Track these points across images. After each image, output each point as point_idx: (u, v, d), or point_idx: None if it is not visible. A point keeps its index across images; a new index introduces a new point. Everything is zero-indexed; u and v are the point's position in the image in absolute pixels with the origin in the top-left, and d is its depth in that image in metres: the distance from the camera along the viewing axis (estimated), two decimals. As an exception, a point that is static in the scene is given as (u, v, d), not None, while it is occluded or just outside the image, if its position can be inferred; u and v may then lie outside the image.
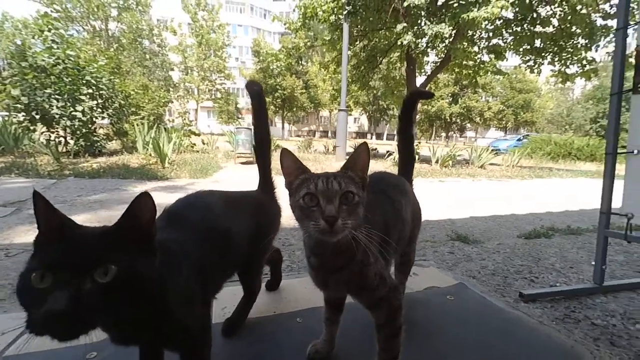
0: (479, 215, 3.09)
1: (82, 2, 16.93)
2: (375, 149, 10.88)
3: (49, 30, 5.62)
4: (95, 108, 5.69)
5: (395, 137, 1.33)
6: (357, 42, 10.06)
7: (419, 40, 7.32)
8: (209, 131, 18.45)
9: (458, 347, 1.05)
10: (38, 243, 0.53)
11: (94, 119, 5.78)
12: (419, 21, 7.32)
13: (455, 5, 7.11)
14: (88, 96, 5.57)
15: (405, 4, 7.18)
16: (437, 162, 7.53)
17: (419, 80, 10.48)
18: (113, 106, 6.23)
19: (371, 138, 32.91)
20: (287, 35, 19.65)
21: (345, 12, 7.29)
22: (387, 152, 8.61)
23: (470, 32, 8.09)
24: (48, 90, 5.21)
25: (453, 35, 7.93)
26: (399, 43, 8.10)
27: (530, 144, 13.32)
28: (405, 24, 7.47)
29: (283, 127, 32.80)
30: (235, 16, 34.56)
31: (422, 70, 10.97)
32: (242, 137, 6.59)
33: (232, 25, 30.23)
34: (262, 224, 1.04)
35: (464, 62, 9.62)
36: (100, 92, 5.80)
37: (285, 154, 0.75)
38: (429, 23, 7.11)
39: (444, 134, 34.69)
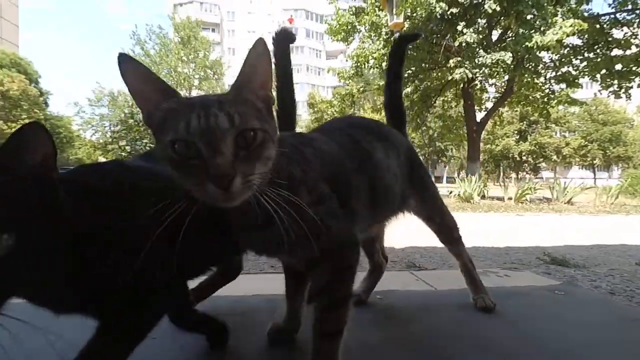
0: (575, 244, 2.62)
1: (173, 76, 20.75)
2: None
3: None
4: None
5: (384, 96, 1.17)
6: (409, 84, 10.31)
7: (475, 70, 7.21)
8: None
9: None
10: None
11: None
12: (473, 54, 7.29)
13: (512, 37, 7.00)
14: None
15: (457, 42, 7.30)
16: (510, 198, 6.82)
17: (479, 115, 10.09)
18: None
19: (428, 180, 31.48)
20: (340, 87, 21.13)
21: (396, 56, 7.65)
22: (450, 192, 8.13)
23: (532, 63, 7.75)
24: (145, 140, 6.25)
25: (514, 65, 7.67)
26: (451, 78, 8.08)
27: (629, 179, 11.38)
28: (458, 59, 7.50)
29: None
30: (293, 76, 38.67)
31: (482, 106, 10.59)
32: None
33: (290, 84, 33.67)
34: None
35: (530, 95, 9.08)
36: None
37: (127, 61, 0.48)
38: (485, 54, 7.04)
39: (514, 175, 31.63)
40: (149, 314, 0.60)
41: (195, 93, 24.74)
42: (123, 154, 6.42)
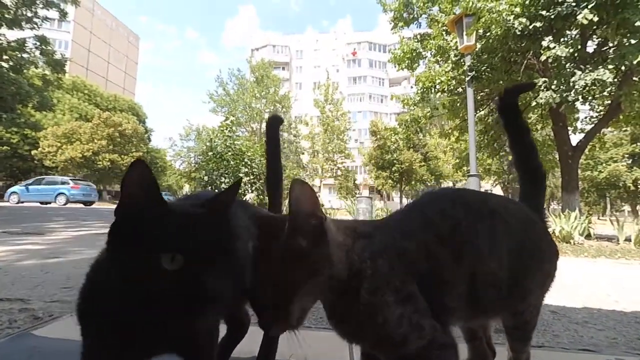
0: None
1: (247, 111, 23.07)
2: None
3: (226, 129, 7.68)
4: (247, 183, 7.03)
5: (511, 156, 0.94)
6: (484, 107, 9.47)
7: (566, 94, 6.21)
8: (329, 206, 19.87)
9: None
10: None
11: (246, 192, 7.11)
12: (563, 73, 6.34)
13: (615, 49, 5.91)
14: (244, 174, 6.99)
15: (544, 57, 6.46)
16: (629, 239, 5.45)
17: (574, 138, 8.63)
18: (260, 181, 7.56)
19: (508, 211, 27.83)
20: (404, 113, 20.71)
21: (468, 78, 7.12)
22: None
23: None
24: (220, 171, 6.85)
25: (619, 83, 6.43)
26: (534, 104, 7.14)
27: None
28: (544, 79, 6.60)
29: (401, 202, 32.14)
30: (355, 105, 39.52)
31: (574, 128, 9.07)
32: (362, 205, 6.66)
33: (352, 113, 34.43)
34: None
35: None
36: (253, 169, 7.22)
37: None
38: (579, 73, 6.05)
39: (626, 207, 25.84)
40: None
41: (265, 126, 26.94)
42: (202, 182, 7.31)
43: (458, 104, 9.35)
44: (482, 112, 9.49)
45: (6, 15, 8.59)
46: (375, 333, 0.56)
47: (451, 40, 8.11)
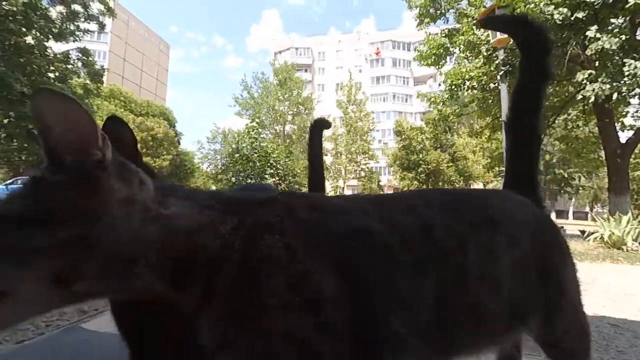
0: None
1: (271, 114, 23.43)
2: (562, 227, 8.38)
3: (252, 131, 7.83)
4: (272, 184, 7.10)
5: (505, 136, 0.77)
6: (518, 103, 8.97)
7: (617, 84, 5.70)
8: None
9: None
10: None
11: (271, 193, 7.21)
12: (613, 63, 5.83)
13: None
14: (269, 175, 7.07)
15: (590, 51, 5.98)
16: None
17: (622, 136, 7.92)
18: (285, 182, 7.62)
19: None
20: (430, 112, 20.11)
21: (501, 73, 6.75)
22: (584, 232, 6.40)
23: None
24: (247, 172, 6.97)
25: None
26: (580, 97, 6.61)
27: None
28: (591, 71, 6.11)
29: (426, 202, 31.28)
30: (379, 105, 38.98)
31: (622, 124, 8.33)
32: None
33: (376, 113, 33.98)
34: None
35: None
36: (278, 171, 7.30)
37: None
38: (631, 61, 5.53)
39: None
40: None
41: (289, 128, 27.17)
42: (229, 184, 7.51)
43: (490, 101, 8.91)
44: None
45: (53, 30, 9.29)
46: None
47: (482, 35, 7.74)
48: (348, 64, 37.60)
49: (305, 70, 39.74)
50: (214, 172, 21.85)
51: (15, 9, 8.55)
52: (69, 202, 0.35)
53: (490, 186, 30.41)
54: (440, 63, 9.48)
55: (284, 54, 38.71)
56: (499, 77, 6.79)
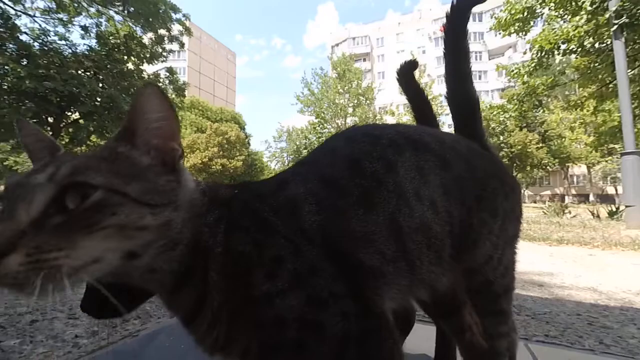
0: None
1: (331, 108, 23.53)
2: None
3: (318, 126, 7.92)
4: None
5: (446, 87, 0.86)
6: (638, 62, 7.19)
7: None
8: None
9: None
10: None
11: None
12: None
13: None
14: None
15: None
16: None
17: None
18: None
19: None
20: (510, 88, 17.63)
21: (614, 28, 5.45)
22: None
23: None
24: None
25: None
26: None
27: None
28: None
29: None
30: (446, 87, 35.94)
31: None
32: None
33: (444, 96, 31.39)
34: None
35: None
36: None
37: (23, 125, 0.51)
38: None
39: None
40: None
41: (350, 121, 26.97)
42: None
43: (596, 65, 7.35)
44: (637, 70, 7.21)
45: (146, 54, 10.81)
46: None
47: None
48: (410, 46, 35.43)
49: (364, 60, 38.78)
50: (281, 169, 22.97)
51: (118, 41, 10.17)
52: (167, 189, 0.41)
53: (596, 169, 25.40)
54: (525, 28, 8.15)
55: (341, 46, 38.36)
56: (612, 33, 5.50)
